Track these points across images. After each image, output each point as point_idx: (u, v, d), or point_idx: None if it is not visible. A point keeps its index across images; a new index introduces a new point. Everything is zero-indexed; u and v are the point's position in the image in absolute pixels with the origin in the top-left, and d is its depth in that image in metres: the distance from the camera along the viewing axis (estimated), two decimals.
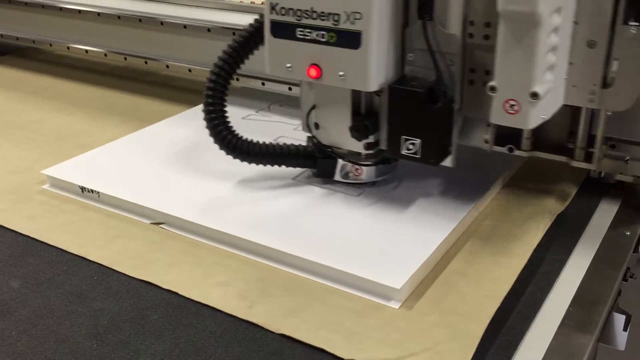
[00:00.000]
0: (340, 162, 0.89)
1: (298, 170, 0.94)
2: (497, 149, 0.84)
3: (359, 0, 0.73)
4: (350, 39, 0.75)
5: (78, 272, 0.77)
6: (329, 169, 0.90)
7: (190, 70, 1.31)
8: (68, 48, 1.47)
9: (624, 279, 0.81)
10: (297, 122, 1.11)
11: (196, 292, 0.73)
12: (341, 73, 0.77)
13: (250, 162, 0.89)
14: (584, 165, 0.84)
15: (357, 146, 0.85)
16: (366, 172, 0.89)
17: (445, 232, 0.80)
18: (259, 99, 1.23)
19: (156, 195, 0.90)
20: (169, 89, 1.37)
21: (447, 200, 0.87)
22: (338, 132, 0.86)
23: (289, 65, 0.80)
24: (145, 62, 1.37)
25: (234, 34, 1.19)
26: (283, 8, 0.78)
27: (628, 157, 0.85)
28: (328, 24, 0.75)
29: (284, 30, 0.79)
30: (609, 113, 0.80)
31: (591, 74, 0.75)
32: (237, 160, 0.88)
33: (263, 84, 1.24)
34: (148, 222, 0.87)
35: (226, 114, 0.88)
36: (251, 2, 1.33)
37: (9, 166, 1.03)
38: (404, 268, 0.73)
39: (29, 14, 1.48)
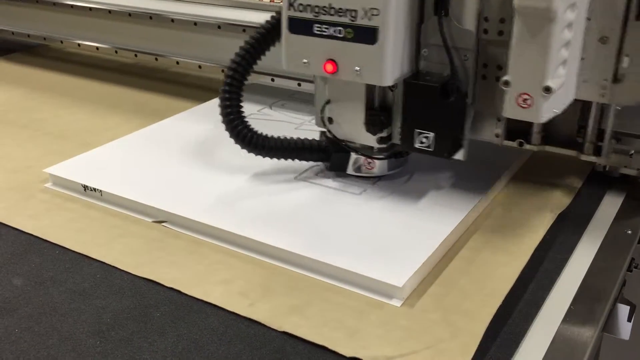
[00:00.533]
0: (354, 155, 0.90)
1: (300, 168, 0.95)
2: (508, 143, 0.86)
3: None
4: (366, 35, 0.76)
5: (81, 270, 0.77)
6: (343, 163, 0.91)
7: (200, 67, 1.32)
8: (79, 45, 1.49)
9: (629, 270, 0.82)
10: (299, 121, 1.13)
11: (198, 290, 0.73)
12: (357, 68, 0.77)
13: (264, 156, 0.91)
14: (593, 159, 0.86)
15: (371, 140, 0.87)
16: (378, 166, 0.90)
17: (447, 232, 0.79)
18: (262, 97, 1.23)
19: (158, 193, 0.90)
20: (178, 85, 1.37)
21: (451, 195, 0.88)
22: (352, 127, 0.87)
23: (305, 60, 0.81)
24: (156, 59, 1.38)
25: (244, 30, 1.20)
26: (301, 5, 0.78)
27: (632, 151, 0.86)
28: (345, 20, 0.76)
29: (301, 27, 0.79)
30: (618, 108, 0.82)
31: (603, 69, 0.77)
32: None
33: (272, 80, 1.25)
34: (150, 220, 0.87)
35: (242, 109, 0.89)
36: (260, 0, 1.34)
37: (11, 164, 1.02)
38: (405, 266, 0.73)
39: (40, 11, 1.49)
